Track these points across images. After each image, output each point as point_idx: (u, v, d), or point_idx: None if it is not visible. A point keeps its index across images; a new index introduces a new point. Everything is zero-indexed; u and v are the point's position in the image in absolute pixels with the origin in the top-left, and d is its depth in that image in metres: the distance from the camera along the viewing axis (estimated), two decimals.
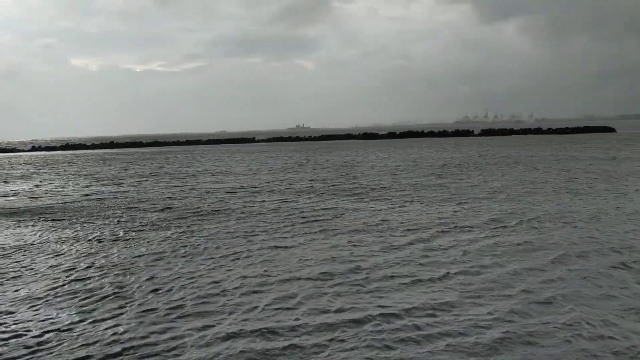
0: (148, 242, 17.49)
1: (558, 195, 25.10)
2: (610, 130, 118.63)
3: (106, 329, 10.06)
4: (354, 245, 16.01)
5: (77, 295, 12.08)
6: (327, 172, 41.63)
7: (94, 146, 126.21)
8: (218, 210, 23.57)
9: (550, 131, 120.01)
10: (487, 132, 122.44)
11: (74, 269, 14.37)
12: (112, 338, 9.59)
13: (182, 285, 12.52)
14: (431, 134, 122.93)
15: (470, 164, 44.77)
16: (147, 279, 13.15)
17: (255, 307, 10.91)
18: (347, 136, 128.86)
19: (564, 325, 9.57)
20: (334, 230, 18.42)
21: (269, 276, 13.06)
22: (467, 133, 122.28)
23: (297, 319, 10.20)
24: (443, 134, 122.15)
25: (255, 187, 32.46)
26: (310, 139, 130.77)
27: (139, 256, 15.55)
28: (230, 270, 13.75)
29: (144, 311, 10.90)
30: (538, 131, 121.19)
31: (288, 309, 10.76)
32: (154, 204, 26.30)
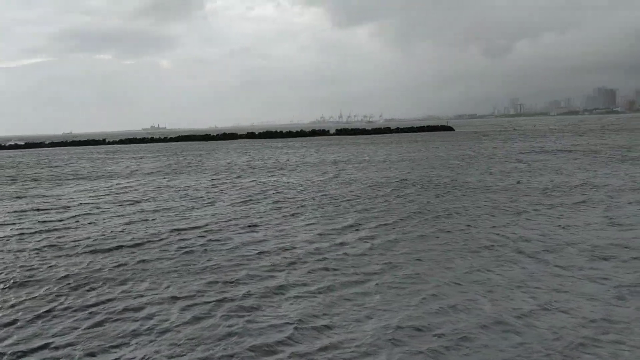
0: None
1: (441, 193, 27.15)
2: (450, 129, 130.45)
3: None
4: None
5: None
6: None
7: None
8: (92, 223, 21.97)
9: (398, 130, 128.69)
10: (342, 132, 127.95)
11: None
12: None
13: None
14: (289, 134, 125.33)
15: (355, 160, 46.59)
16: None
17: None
18: (205, 137, 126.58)
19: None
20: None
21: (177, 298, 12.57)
22: (323, 133, 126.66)
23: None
24: (301, 133, 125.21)
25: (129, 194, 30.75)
26: (166, 140, 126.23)
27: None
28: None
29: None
30: (387, 130, 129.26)
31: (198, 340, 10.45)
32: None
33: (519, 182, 28.29)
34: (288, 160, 51.67)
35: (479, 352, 8.61)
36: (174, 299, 11.41)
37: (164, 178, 38.07)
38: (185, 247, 15.97)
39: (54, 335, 9.70)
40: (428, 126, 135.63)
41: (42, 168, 53.55)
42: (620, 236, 15.57)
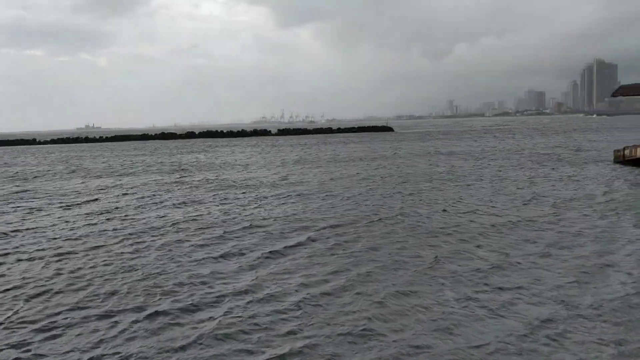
0: None
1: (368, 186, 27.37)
2: (390, 129, 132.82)
3: None
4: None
5: None
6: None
7: None
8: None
9: (339, 130, 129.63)
10: (284, 132, 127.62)
11: None
12: None
13: None
14: (230, 134, 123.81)
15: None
16: None
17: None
18: (143, 136, 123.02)
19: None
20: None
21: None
22: (265, 133, 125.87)
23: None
24: (242, 133, 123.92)
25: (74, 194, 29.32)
26: (101, 139, 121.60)
27: None
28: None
29: None
30: (329, 130, 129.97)
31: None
32: None
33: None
34: (234, 160, 51.03)
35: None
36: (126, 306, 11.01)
37: (109, 179, 36.74)
38: (138, 251, 15.47)
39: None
40: (369, 126, 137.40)
41: None
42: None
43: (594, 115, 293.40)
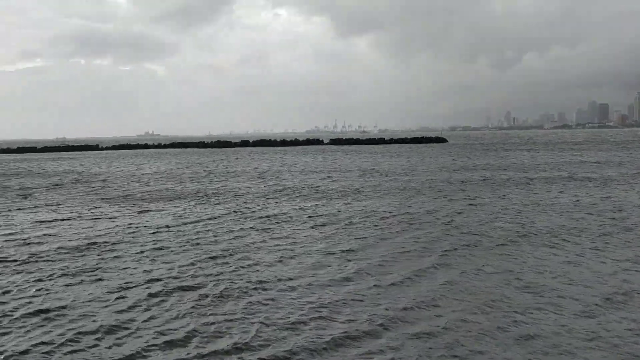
0: None
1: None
2: (444, 140, 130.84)
3: None
4: None
5: None
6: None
7: None
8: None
9: (392, 141, 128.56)
10: (336, 142, 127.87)
11: None
12: None
13: None
14: (284, 142, 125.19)
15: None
16: None
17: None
18: (200, 144, 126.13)
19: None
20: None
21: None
22: (317, 142, 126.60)
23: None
24: (295, 142, 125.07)
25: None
26: (159, 146, 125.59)
27: None
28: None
29: None
30: (381, 141, 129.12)
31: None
32: None
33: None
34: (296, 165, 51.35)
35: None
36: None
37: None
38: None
39: None
40: (422, 137, 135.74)
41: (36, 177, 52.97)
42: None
43: None
